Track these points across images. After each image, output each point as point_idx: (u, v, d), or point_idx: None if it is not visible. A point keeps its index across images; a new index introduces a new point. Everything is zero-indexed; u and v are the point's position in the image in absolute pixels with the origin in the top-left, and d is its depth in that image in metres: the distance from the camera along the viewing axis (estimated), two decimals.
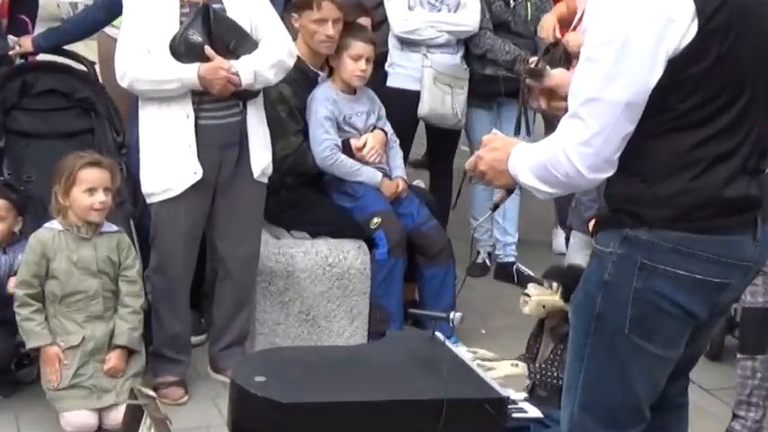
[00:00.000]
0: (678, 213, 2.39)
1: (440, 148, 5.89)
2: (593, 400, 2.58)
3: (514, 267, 5.85)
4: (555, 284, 3.57)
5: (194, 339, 4.63)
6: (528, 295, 3.62)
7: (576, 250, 4.75)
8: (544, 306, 3.58)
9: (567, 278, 3.49)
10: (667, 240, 2.41)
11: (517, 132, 3.23)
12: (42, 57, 5.05)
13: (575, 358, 2.63)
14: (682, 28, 2.28)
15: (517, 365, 3.56)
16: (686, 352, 2.59)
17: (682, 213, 2.39)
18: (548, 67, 2.95)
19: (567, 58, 4.32)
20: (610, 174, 2.41)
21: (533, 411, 2.97)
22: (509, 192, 2.74)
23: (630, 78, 2.30)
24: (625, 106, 2.30)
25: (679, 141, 2.36)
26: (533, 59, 4.91)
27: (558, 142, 2.39)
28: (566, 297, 3.39)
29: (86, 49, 5.29)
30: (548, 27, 4.85)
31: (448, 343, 3.27)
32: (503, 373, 3.38)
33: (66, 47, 4.97)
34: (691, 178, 2.37)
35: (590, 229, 4.58)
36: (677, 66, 2.30)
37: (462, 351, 3.31)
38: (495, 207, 2.95)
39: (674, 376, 2.65)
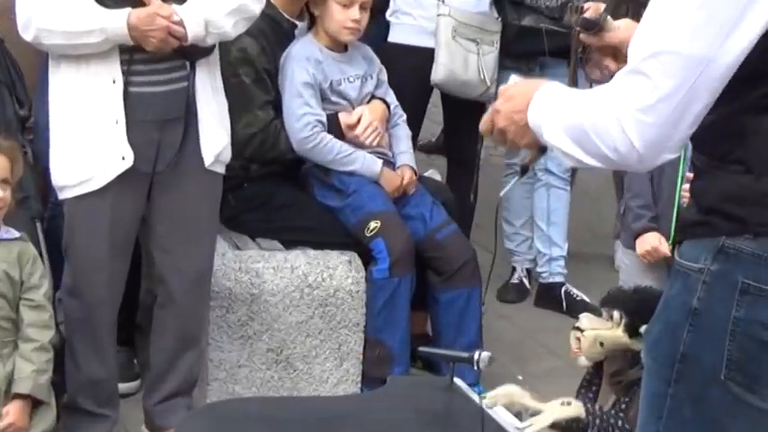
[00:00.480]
0: None
1: (461, 127, 5.83)
2: None
3: (563, 290, 5.88)
4: (617, 314, 3.52)
5: (123, 387, 4.62)
6: (580, 329, 3.56)
7: (629, 274, 4.79)
8: (602, 344, 3.53)
9: (634, 305, 3.47)
10: None
11: None
12: None
13: (649, 414, 2.57)
14: None
15: (570, 403, 3.50)
16: None
17: None
18: (609, 18, 2.94)
19: (637, 5, 4.31)
20: (673, 156, 2.38)
21: None
22: (542, 150, 2.70)
23: (722, 25, 2.25)
24: (710, 64, 2.26)
25: None
26: (590, 5, 4.88)
27: (609, 104, 2.35)
28: (632, 331, 3.37)
29: None
30: None
31: (471, 393, 3.27)
32: (551, 418, 3.34)
33: None
34: None
35: (637, 246, 4.60)
36: None
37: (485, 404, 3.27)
38: (524, 171, 2.92)
39: None
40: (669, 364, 2.48)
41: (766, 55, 2.25)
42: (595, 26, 2.88)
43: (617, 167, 2.44)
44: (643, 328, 3.26)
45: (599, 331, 3.52)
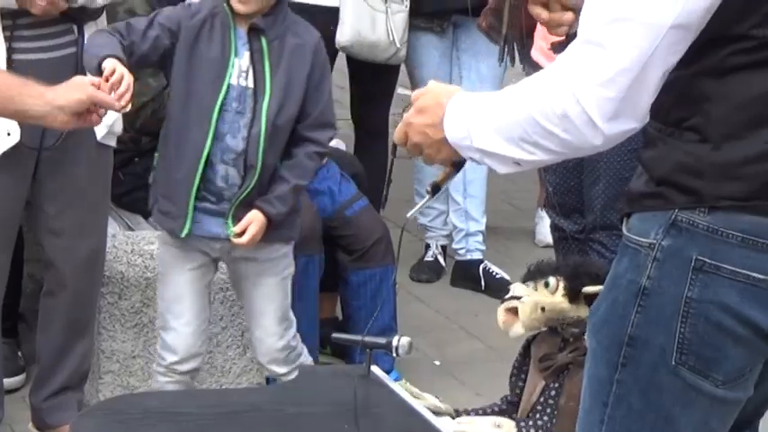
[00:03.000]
0: (755, 188, 2.30)
1: (369, 92, 5.96)
2: None
3: (481, 267, 5.95)
4: (553, 279, 3.51)
5: (7, 382, 4.58)
6: (516, 297, 3.52)
7: None
8: (543, 309, 3.47)
9: (570, 270, 3.54)
10: (736, 228, 2.33)
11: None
12: None
13: (593, 400, 2.56)
14: None
15: (500, 426, 3.52)
16: (757, 392, 2.53)
17: (760, 188, 2.30)
18: None
19: None
20: (634, 129, 2.37)
21: None
22: (457, 166, 2.72)
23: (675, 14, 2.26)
24: (670, 30, 2.27)
25: (756, 84, 2.31)
26: None
27: (562, 82, 2.33)
28: (572, 296, 3.39)
29: None
30: None
31: (390, 382, 3.31)
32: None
33: None
34: None
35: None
36: None
37: (407, 395, 3.30)
38: (436, 189, 2.84)
39: (735, 428, 2.60)
40: (616, 348, 2.46)
41: (726, 16, 2.24)
42: None
43: (573, 154, 2.46)
44: (587, 288, 3.36)
45: (539, 297, 3.50)
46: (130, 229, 4.82)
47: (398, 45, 5.59)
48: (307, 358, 4.34)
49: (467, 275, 5.99)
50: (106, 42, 3.83)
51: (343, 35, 5.48)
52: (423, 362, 4.88)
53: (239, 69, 3.88)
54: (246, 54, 3.88)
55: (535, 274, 3.62)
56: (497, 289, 5.21)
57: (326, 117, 4.14)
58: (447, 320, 5.56)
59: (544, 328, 3.65)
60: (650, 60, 2.26)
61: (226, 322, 4.78)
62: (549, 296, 3.45)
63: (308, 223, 4.69)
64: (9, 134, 4.10)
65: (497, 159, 2.45)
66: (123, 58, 3.73)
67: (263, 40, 3.89)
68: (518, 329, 3.46)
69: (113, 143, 4.42)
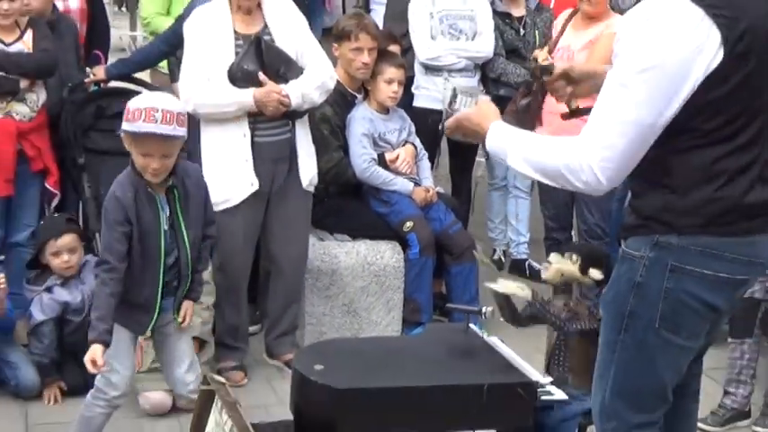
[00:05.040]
0: (706, 220, 2.29)
1: (460, 160, 5.75)
2: (625, 387, 2.48)
3: (526, 263, 5.77)
4: (575, 257, 3.33)
5: (251, 329, 4.57)
6: (549, 262, 3.39)
7: None
8: (562, 274, 3.32)
9: (585, 252, 3.35)
10: (696, 244, 2.31)
11: None
12: (113, 84, 5.00)
13: (606, 350, 2.52)
14: (709, 56, 2.19)
15: (523, 289, 3.34)
16: (704, 341, 2.52)
17: (709, 220, 2.29)
18: (555, 63, 2.95)
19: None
20: (621, 182, 2.36)
21: (559, 394, 2.88)
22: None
23: (659, 104, 2.21)
24: (649, 127, 2.23)
25: (703, 156, 2.27)
26: (536, 54, 4.74)
27: (581, 155, 2.27)
28: (583, 270, 3.21)
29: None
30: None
31: (481, 333, 3.17)
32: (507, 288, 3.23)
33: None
34: (716, 189, 2.28)
35: None
36: (702, 90, 2.20)
37: (495, 340, 3.14)
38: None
39: (690, 363, 2.57)
40: (620, 319, 2.44)
41: (684, 114, 2.22)
42: (548, 70, 2.81)
43: (582, 191, 2.39)
44: (591, 272, 3.20)
45: (562, 265, 3.33)
46: (322, 240, 4.71)
47: None
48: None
49: (517, 268, 5.79)
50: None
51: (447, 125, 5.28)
52: (493, 321, 4.73)
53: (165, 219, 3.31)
54: (167, 208, 3.32)
55: (566, 249, 3.45)
56: (536, 277, 5.10)
57: (212, 216, 3.58)
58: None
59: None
60: (639, 146, 2.26)
61: (378, 295, 4.67)
62: (570, 265, 3.27)
63: (426, 239, 4.64)
64: (252, 184, 4.07)
65: (522, 174, 2.51)
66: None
67: (175, 193, 3.32)
68: (546, 277, 3.35)
69: (312, 190, 4.35)
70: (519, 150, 2.41)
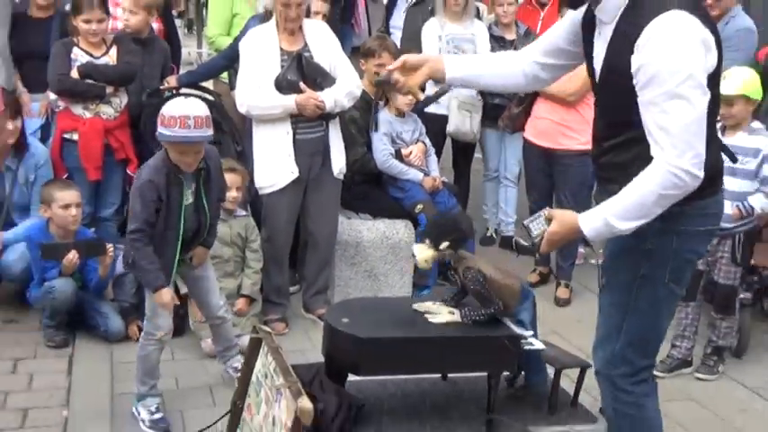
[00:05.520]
0: (701, 187, 2.14)
1: (461, 157, 5.72)
2: (637, 337, 2.37)
3: (513, 239, 5.66)
4: (427, 240, 2.76)
5: (292, 289, 4.55)
6: (413, 255, 2.84)
7: None
8: (426, 260, 2.75)
9: (435, 230, 2.78)
10: (696, 207, 2.22)
11: None
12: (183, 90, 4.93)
13: (617, 311, 2.38)
14: (711, 56, 2.14)
15: (453, 313, 2.82)
16: None
17: (703, 186, 2.15)
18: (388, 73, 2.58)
19: None
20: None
21: (538, 344, 2.82)
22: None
23: (702, 99, 2.09)
24: (702, 117, 2.09)
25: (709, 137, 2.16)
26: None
27: (672, 167, 2.07)
28: (436, 246, 2.71)
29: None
30: None
31: None
32: (444, 320, 2.79)
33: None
34: (711, 158, 2.17)
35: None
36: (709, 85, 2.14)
37: None
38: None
39: None
40: (632, 282, 2.33)
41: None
42: (387, 81, 2.55)
43: (687, 193, 2.14)
44: (442, 245, 2.70)
45: (423, 254, 2.73)
46: (348, 219, 4.65)
47: (475, 133, 5.36)
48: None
49: (506, 243, 5.70)
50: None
51: (450, 128, 5.27)
52: None
53: (189, 194, 3.20)
54: (193, 185, 3.21)
55: (424, 234, 2.84)
56: (522, 250, 4.81)
57: (225, 188, 3.53)
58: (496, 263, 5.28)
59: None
60: (704, 134, 2.12)
61: (393, 263, 4.63)
62: (426, 250, 2.70)
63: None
64: (293, 173, 4.04)
65: (632, 230, 2.16)
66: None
67: (201, 174, 3.21)
68: (420, 266, 2.81)
69: (341, 178, 4.30)
70: (616, 218, 2.14)
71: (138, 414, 3.27)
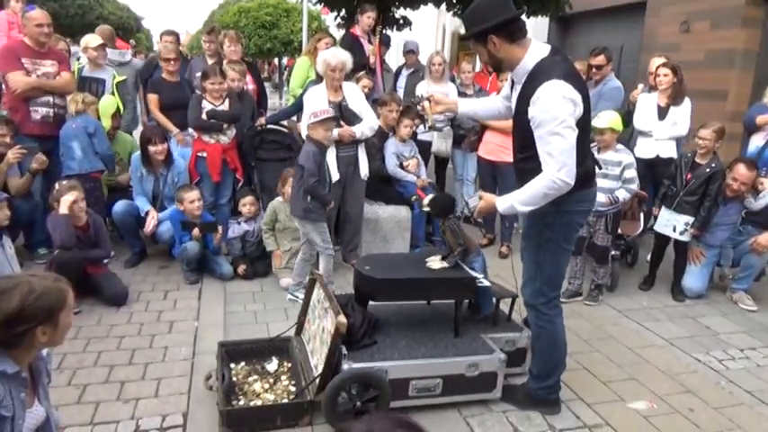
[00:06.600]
0: (579, 184, 2.17)
1: (440, 167, 5.63)
2: (548, 278, 2.38)
3: (471, 218, 5.51)
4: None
5: (335, 247, 4.42)
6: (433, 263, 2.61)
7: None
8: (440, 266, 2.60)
9: (438, 204, 2.71)
10: (575, 196, 2.22)
11: None
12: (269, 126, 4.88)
13: (533, 260, 2.39)
14: (579, 109, 2.12)
15: (443, 262, 2.69)
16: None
17: (580, 183, 2.18)
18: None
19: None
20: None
21: (486, 283, 2.79)
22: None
23: (572, 134, 2.10)
24: (573, 145, 2.10)
25: (579, 152, 2.16)
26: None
27: (551, 176, 2.09)
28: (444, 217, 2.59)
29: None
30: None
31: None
32: (438, 266, 2.75)
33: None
34: (586, 166, 2.23)
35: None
36: (578, 123, 2.13)
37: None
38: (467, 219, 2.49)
39: None
40: (539, 243, 2.34)
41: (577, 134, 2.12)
42: (418, 101, 2.54)
43: (562, 193, 2.14)
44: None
45: (435, 264, 2.64)
46: (370, 204, 4.54)
47: (448, 152, 5.25)
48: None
49: (466, 220, 5.28)
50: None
51: (433, 149, 5.20)
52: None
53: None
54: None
55: (430, 208, 2.69)
56: (480, 225, 4.93)
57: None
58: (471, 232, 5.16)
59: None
60: (574, 157, 2.10)
61: (398, 232, 4.50)
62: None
63: (422, 206, 4.20)
64: (336, 176, 3.95)
65: (526, 211, 2.17)
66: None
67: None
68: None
69: (366, 179, 4.20)
70: (517, 202, 2.17)
71: (297, 298, 3.53)
